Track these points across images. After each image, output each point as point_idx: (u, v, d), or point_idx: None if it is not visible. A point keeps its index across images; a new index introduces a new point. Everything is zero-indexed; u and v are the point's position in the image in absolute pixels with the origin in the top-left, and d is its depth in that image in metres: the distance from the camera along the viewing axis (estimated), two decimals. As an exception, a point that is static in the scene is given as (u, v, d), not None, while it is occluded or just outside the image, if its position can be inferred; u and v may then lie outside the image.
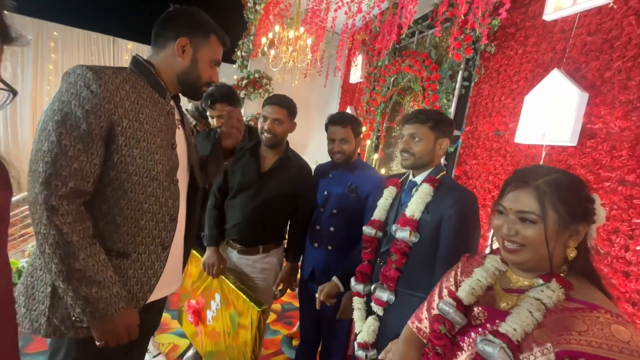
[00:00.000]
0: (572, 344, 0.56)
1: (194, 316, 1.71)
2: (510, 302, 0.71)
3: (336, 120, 1.54)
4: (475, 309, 0.74)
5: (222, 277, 1.52)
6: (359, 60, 3.67)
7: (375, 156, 3.41)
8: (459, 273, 0.86)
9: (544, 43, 1.88)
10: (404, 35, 2.88)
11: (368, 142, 3.44)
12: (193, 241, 1.14)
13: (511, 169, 1.98)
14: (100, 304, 0.76)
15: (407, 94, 3.08)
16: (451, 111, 2.40)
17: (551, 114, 1.65)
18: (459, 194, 1.10)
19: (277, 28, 2.81)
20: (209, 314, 1.63)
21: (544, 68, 1.84)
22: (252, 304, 1.33)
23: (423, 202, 1.11)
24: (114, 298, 0.78)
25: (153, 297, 0.93)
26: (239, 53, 4.09)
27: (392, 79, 3.18)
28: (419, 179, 1.20)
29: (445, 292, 0.86)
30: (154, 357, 1.94)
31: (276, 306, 2.62)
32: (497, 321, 0.68)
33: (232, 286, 1.45)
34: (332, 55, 3.97)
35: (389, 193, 1.28)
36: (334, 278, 1.35)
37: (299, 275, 1.70)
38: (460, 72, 2.37)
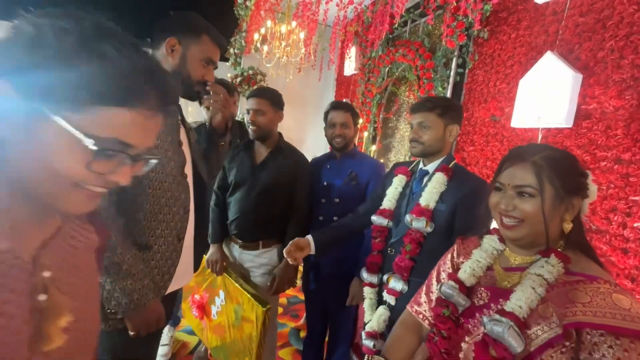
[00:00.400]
0: (577, 316, 0.58)
1: (198, 310, 1.75)
2: (511, 281, 0.72)
3: (337, 106, 1.59)
4: (479, 289, 0.76)
5: (225, 274, 1.54)
6: (352, 52, 3.65)
7: (373, 147, 3.42)
8: (455, 255, 0.87)
9: (536, 26, 1.88)
10: (396, 25, 2.86)
11: (365, 133, 3.44)
12: (206, 234, 1.19)
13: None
14: (135, 294, 0.82)
15: (402, 83, 3.07)
16: (447, 99, 2.40)
17: (546, 96, 1.66)
18: (473, 183, 1.11)
19: (269, 23, 2.79)
20: (214, 309, 1.66)
21: (537, 51, 1.85)
22: (256, 302, 1.35)
23: (437, 191, 1.11)
24: (145, 289, 0.84)
25: (170, 288, 0.98)
26: (231, 50, 4.07)
27: (387, 69, 3.17)
28: (430, 167, 1.19)
29: (443, 275, 0.87)
30: (161, 345, 2.00)
31: (282, 300, 2.65)
32: (500, 300, 0.70)
33: (236, 284, 1.47)
34: (325, 49, 3.95)
35: (399, 182, 1.27)
36: (309, 237, 1.30)
37: (300, 267, 1.71)
38: (454, 59, 2.36)
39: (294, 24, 2.84)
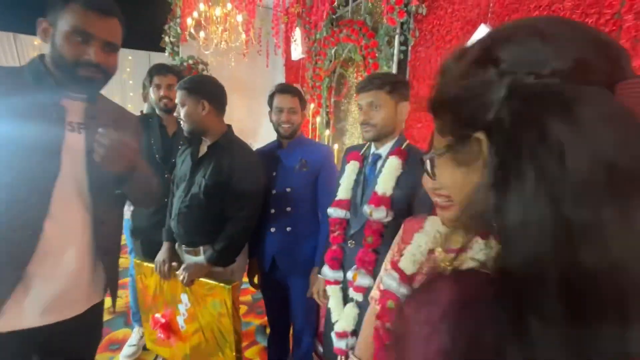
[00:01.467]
0: None
1: (164, 331, 1.56)
2: (448, 262, 0.69)
3: (284, 89, 1.47)
4: (420, 277, 0.72)
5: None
6: (297, 34, 3.53)
7: (327, 132, 3.38)
8: (400, 240, 0.83)
9: (469, -1, 1.90)
10: (337, 4, 2.79)
11: (318, 118, 3.38)
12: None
13: (453, 128, 2.05)
14: None
15: (349, 65, 3.03)
16: (393, 78, 2.40)
17: (482, 69, 1.70)
18: None
19: (201, 6, 2.57)
20: (180, 320, 1.52)
21: (472, 25, 1.88)
22: (220, 284, 1.27)
23: (393, 177, 1.06)
24: None
25: (31, 323, 0.81)
26: (167, 39, 3.75)
27: (333, 51, 3.10)
28: (383, 151, 1.13)
29: (388, 261, 0.84)
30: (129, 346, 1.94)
31: (247, 297, 2.57)
32: None
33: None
34: (269, 32, 3.78)
35: (351, 169, 1.20)
36: (316, 274, 1.31)
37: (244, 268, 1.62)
38: (397, 37, 2.35)
39: (229, 6, 2.64)
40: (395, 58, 2.38)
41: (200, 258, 1.39)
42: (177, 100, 1.35)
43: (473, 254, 0.62)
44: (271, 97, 1.50)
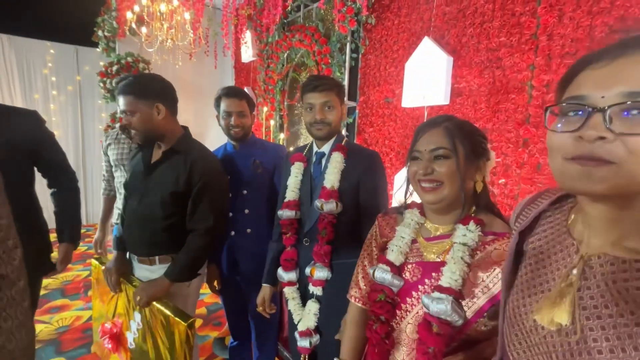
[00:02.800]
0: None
1: (112, 341, 1.42)
2: (436, 250, 0.74)
3: (231, 93, 1.45)
4: (408, 266, 0.76)
5: (127, 289, 1.30)
6: (247, 37, 3.47)
7: (282, 136, 3.37)
8: (378, 235, 0.87)
9: (414, 13, 2.07)
10: (289, 9, 2.81)
11: (272, 122, 3.36)
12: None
13: (402, 132, 2.20)
14: None
15: (302, 69, 3.07)
16: (345, 84, 2.49)
17: (427, 77, 1.86)
18: (366, 155, 1.16)
19: (143, 0, 2.40)
20: (130, 337, 1.39)
21: (417, 36, 2.05)
22: (176, 319, 1.15)
23: (339, 170, 1.13)
24: None
25: None
26: (100, 33, 3.41)
27: (285, 54, 3.12)
28: (326, 148, 1.19)
29: (367, 258, 0.87)
30: None
31: (201, 310, 2.43)
32: (433, 274, 0.72)
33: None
34: (218, 33, 3.65)
35: (297, 170, 1.23)
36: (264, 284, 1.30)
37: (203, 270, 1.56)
38: (348, 45, 2.46)
39: (175, 2, 2.51)
40: (347, 64, 2.48)
41: (155, 268, 1.29)
42: (122, 108, 1.19)
43: (459, 240, 0.69)
44: (217, 101, 1.46)
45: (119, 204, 1.75)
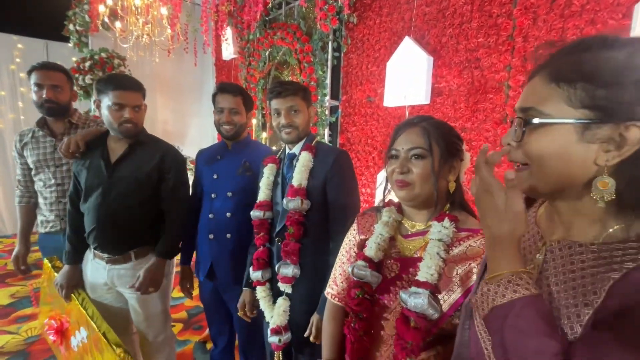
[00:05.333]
0: (474, 274, 0.66)
1: (57, 335, 1.43)
2: (413, 247, 0.77)
3: (226, 89, 1.41)
4: (387, 262, 0.78)
5: (79, 306, 1.29)
6: (228, 34, 3.40)
7: (264, 135, 3.33)
8: (356, 234, 0.88)
9: (395, 13, 2.08)
10: (271, 6, 2.78)
11: (254, 120, 3.31)
12: None
13: (384, 131, 2.21)
14: None
15: (284, 67, 3.04)
16: (327, 82, 2.48)
17: (408, 77, 1.87)
18: (335, 154, 1.16)
19: (117, -7, 2.30)
20: (74, 341, 1.37)
21: (398, 36, 2.06)
22: (111, 349, 1.16)
23: (307, 169, 1.14)
24: None
25: None
26: (71, 27, 3.25)
27: (267, 52, 3.08)
28: (296, 149, 1.20)
29: (346, 256, 0.88)
30: None
31: (181, 314, 2.36)
32: (410, 269, 0.73)
33: (92, 323, 1.24)
34: (197, 30, 3.56)
35: (269, 171, 1.25)
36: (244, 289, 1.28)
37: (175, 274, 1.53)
38: (330, 43, 2.45)
39: (152, -4, 2.42)
40: (329, 63, 2.47)
41: (129, 265, 1.30)
42: (136, 103, 1.28)
43: (435, 236, 0.71)
44: (214, 97, 1.43)
45: (45, 211, 1.56)
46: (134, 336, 1.49)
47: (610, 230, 0.41)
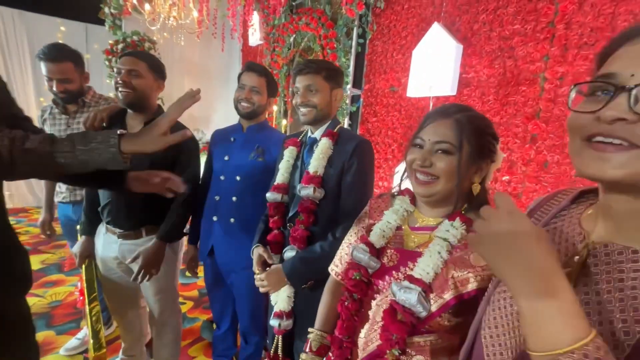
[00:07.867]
0: (470, 283, 0.62)
1: (81, 294, 1.63)
2: (417, 240, 0.73)
3: (253, 68, 1.40)
4: (388, 251, 0.76)
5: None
6: (255, 19, 3.39)
7: (284, 122, 3.31)
8: (367, 217, 0.86)
9: (425, -3, 1.96)
10: (297, -10, 2.71)
11: (275, 107, 3.30)
12: None
13: (406, 123, 2.11)
14: None
15: (308, 54, 2.98)
16: (350, 70, 2.41)
17: (435, 66, 1.76)
18: (355, 142, 1.10)
19: (147, -25, 2.33)
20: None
21: (426, 22, 1.94)
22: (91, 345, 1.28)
23: (325, 157, 1.09)
24: None
25: None
26: (106, 10, 3.36)
27: (292, 38, 3.03)
28: (318, 134, 1.16)
29: (354, 237, 0.87)
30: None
31: (193, 292, 2.43)
32: (409, 263, 0.70)
33: (84, 283, 1.40)
34: (224, 15, 3.57)
35: (289, 154, 1.21)
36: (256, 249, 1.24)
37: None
38: (355, 29, 2.36)
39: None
40: (353, 50, 2.38)
41: (141, 241, 1.33)
42: (124, 66, 1.27)
43: (441, 234, 0.66)
44: (239, 76, 1.43)
45: (61, 183, 1.68)
46: (142, 310, 1.54)
47: None
